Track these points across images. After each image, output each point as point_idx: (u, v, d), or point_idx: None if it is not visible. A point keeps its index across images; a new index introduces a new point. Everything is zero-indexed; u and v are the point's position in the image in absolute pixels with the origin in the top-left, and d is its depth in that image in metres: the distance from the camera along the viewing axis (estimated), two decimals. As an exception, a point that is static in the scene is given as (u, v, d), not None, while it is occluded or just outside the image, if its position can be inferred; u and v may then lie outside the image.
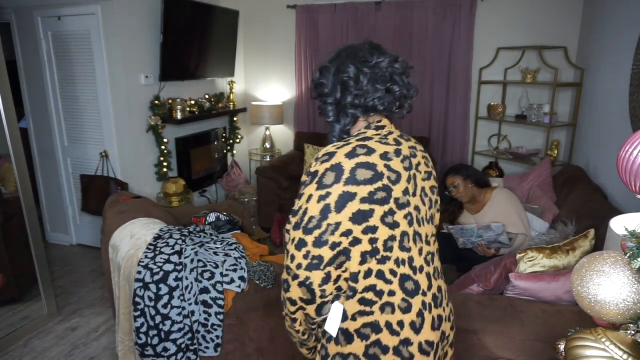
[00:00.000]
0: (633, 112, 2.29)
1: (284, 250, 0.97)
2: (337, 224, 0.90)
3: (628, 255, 0.83)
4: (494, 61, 3.85)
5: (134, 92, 3.34)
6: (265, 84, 4.79)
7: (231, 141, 4.69)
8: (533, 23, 3.67)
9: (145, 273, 1.82)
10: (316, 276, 0.91)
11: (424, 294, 0.98)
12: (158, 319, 1.79)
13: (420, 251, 1.00)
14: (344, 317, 0.96)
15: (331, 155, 0.94)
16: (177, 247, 1.91)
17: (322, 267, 0.91)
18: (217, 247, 2.01)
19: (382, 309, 0.94)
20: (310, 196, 0.92)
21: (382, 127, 1.03)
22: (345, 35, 4.24)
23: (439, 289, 1.04)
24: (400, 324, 0.94)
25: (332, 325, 0.97)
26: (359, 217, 0.91)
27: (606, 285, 0.85)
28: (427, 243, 1.03)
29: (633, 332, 0.85)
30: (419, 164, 1.04)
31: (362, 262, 0.94)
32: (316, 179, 0.93)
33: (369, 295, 0.95)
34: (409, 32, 4.03)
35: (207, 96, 4.15)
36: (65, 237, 3.82)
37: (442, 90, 4.04)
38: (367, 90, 1.01)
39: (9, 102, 2.37)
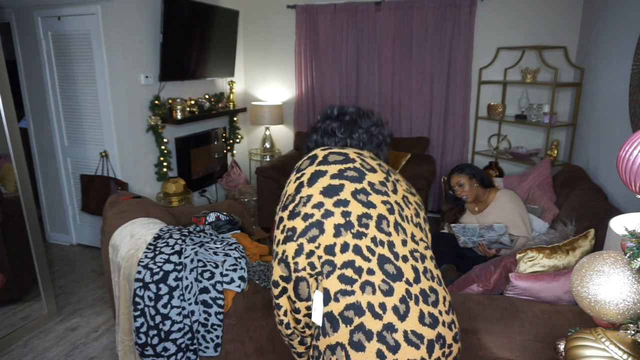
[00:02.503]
0: (633, 112, 2.29)
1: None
2: (309, 196, 1.00)
3: (628, 255, 0.83)
4: (494, 61, 3.85)
5: (134, 92, 3.34)
6: (265, 84, 4.79)
7: (231, 141, 4.69)
8: (533, 23, 3.67)
9: (145, 273, 1.82)
10: (290, 248, 0.99)
11: (409, 283, 0.97)
12: (158, 319, 1.79)
13: (404, 242, 1.02)
14: (327, 299, 0.96)
15: (310, 153, 1.11)
16: (177, 247, 1.91)
17: (295, 238, 0.99)
18: (217, 247, 2.01)
19: (362, 288, 0.94)
20: (289, 181, 1.06)
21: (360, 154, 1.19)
22: (345, 35, 4.24)
23: (434, 290, 1.01)
24: (382, 306, 0.93)
25: (317, 315, 0.99)
26: (330, 191, 1.00)
27: (606, 285, 0.85)
28: (415, 242, 1.05)
29: (633, 332, 0.85)
30: (397, 180, 1.14)
31: (336, 235, 0.97)
32: (296, 169, 1.08)
33: (349, 272, 0.95)
34: (409, 32, 4.03)
35: (207, 96, 4.15)
36: (65, 237, 3.82)
37: (442, 90, 4.04)
38: (321, 142, 1.24)
39: (9, 102, 2.37)
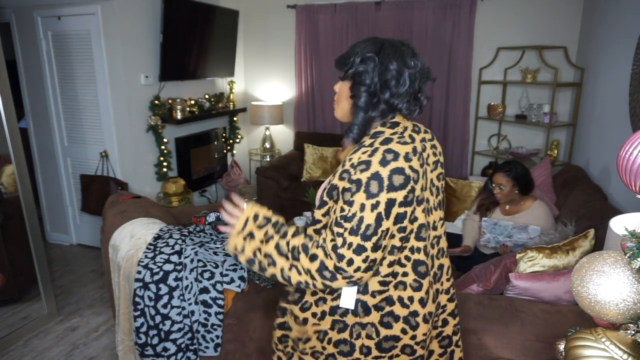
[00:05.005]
0: (633, 112, 2.29)
1: (330, 250, 1.02)
2: (387, 230, 1.02)
3: (628, 255, 0.83)
4: (494, 61, 3.85)
5: (134, 92, 3.34)
6: (265, 84, 4.79)
7: (231, 141, 4.69)
8: (533, 23, 3.67)
9: (145, 273, 1.82)
10: (369, 276, 1.05)
11: (429, 275, 1.14)
12: (158, 319, 1.79)
13: (429, 238, 1.14)
14: (365, 290, 1.11)
15: (368, 164, 1.01)
16: (177, 247, 1.91)
17: (374, 267, 1.05)
18: (217, 247, 2.01)
19: (395, 286, 1.11)
20: (362, 205, 1.00)
21: (397, 123, 1.11)
22: (345, 35, 4.24)
23: (440, 266, 1.20)
24: (411, 299, 1.12)
25: (348, 301, 1.11)
26: (398, 219, 1.04)
27: (606, 285, 0.85)
28: (434, 229, 1.17)
29: (633, 332, 0.85)
30: (428, 156, 1.12)
31: (389, 253, 1.09)
32: (363, 188, 1.00)
33: (389, 279, 1.11)
34: (409, 32, 4.03)
35: (207, 96, 4.15)
36: (65, 237, 3.82)
37: (442, 90, 4.04)
38: (403, 94, 1.08)
39: (9, 102, 2.37)
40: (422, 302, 1.13)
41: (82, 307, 2.86)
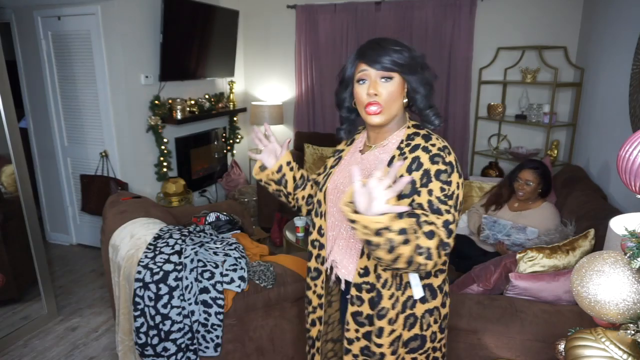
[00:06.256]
0: (633, 112, 2.29)
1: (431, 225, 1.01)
2: (461, 203, 1.15)
3: (628, 255, 0.83)
4: (494, 61, 3.85)
5: (134, 92, 3.34)
6: (265, 84, 4.79)
7: (231, 141, 4.69)
8: (533, 23, 3.67)
9: (145, 273, 1.82)
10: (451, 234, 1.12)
11: None
12: (158, 319, 1.79)
13: None
14: (428, 273, 1.18)
15: (449, 149, 1.15)
16: (177, 247, 1.91)
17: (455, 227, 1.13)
18: (217, 247, 2.01)
19: (445, 263, 1.20)
20: (458, 184, 1.11)
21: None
22: (345, 35, 4.24)
23: None
24: (445, 272, 1.23)
25: (418, 290, 1.17)
26: None
27: (606, 285, 0.85)
28: None
29: (633, 332, 0.85)
30: None
31: None
32: (455, 169, 1.12)
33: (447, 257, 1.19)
34: (409, 32, 4.03)
35: (207, 96, 4.15)
36: (65, 237, 3.82)
37: (442, 90, 4.04)
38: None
39: (9, 102, 2.37)
40: (448, 273, 1.26)
41: (82, 307, 2.86)
